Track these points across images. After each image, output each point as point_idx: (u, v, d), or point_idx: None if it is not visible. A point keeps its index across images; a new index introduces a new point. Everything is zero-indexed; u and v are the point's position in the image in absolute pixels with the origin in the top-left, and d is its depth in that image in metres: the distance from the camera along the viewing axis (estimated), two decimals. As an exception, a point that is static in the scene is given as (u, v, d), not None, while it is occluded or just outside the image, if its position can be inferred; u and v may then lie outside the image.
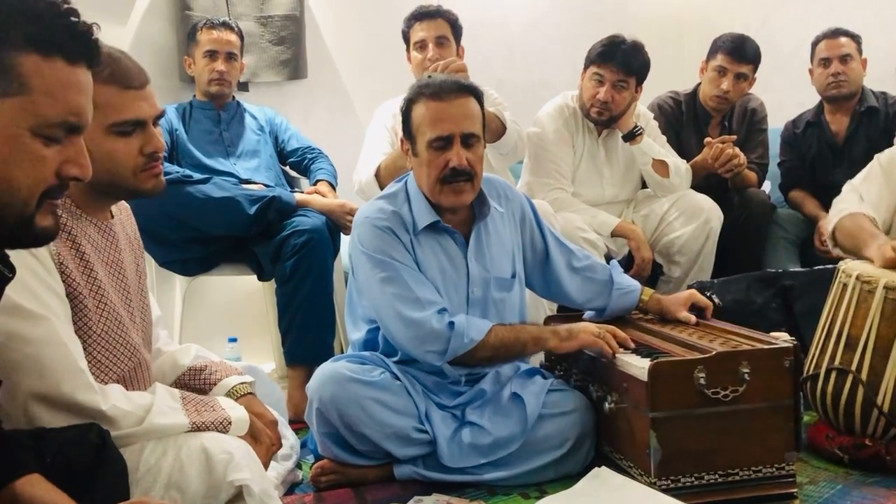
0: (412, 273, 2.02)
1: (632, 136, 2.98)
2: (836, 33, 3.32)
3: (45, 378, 1.28)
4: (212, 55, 2.97)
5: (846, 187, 2.56)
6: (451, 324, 1.96)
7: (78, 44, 1.06)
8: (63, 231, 1.37)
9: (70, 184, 1.08)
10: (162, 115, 1.50)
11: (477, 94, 2.09)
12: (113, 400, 1.34)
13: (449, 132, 2.01)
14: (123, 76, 1.41)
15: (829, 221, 2.53)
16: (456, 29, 3.04)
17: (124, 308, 1.48)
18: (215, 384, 1.63)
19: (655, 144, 3.04)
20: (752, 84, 3.31)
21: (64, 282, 1.35)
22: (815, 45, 3.37)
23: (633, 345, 2.03)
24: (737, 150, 3.08)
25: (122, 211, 1.59)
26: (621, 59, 2.90)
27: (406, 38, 3.07)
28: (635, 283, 2.35)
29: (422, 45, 2.99)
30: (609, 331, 2.04)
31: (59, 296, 1.33)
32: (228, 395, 1.61)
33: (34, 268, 1.29)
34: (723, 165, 3.06)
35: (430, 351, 1.97)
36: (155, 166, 1.47)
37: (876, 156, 2.57)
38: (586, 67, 3.01)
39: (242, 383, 1.65)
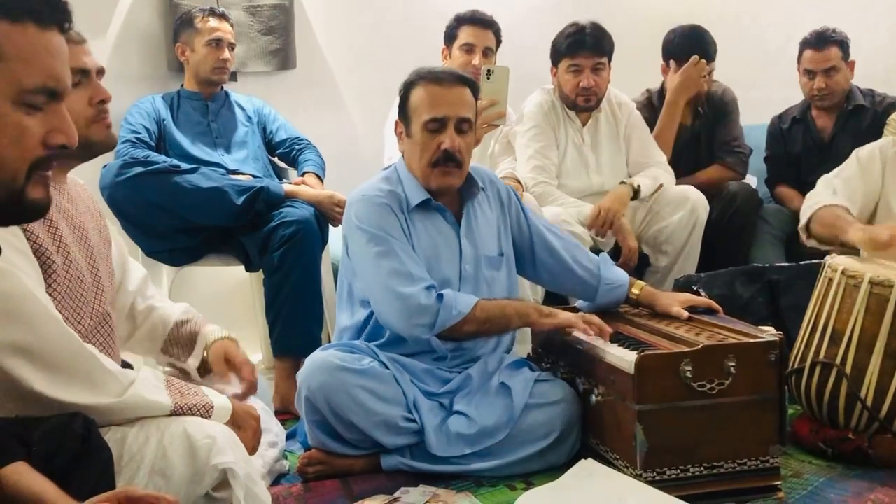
0: (406, 249, 2.07)
1: (637, 197, 2.97)
2: (822, 43, 3.23)
3: (18, 327, 1.27)
4: (217, 44, 2.95)
5: (820, 181, 2.58)
6: (440, 296, 2.00)
7: (47, 7, 1.04)
8: None
9: (58, 152, 1.06)
10: (102, 71, 1.57)
11: (473, 87, 2.17)
12: (95, 352, 1.35)
13: (444, 115, 2.09)
14: None
15: (802, 214, 2.55)
16: (499, 42, 3.12)
17: (88, 267, 1.48)
18: (199, 332, 1.79)
19: (649, 181, 3.00)
20: (713, 71, 3.34)
21: (28, 239, 1.34)
22: (801, 49, 3.31)
23: (609, 330, 2.03)
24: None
25: (78, 185, 1.61)
26: (592, 44, 2.96)
27: (452, 35, 3.08)
28: (624, 278, 2.33)
29: (469, 49, 3.04)
30: (587, 319, 2.05)
31: (24, 254, 1.33)
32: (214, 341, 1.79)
33: None
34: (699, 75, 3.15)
35: (418, 325, 2.00)
36: (105, 117, 1.53)
37: (855, 150, 2.59)
38: (556, 63, 3.04)
39: (226, 337, 1.80)
